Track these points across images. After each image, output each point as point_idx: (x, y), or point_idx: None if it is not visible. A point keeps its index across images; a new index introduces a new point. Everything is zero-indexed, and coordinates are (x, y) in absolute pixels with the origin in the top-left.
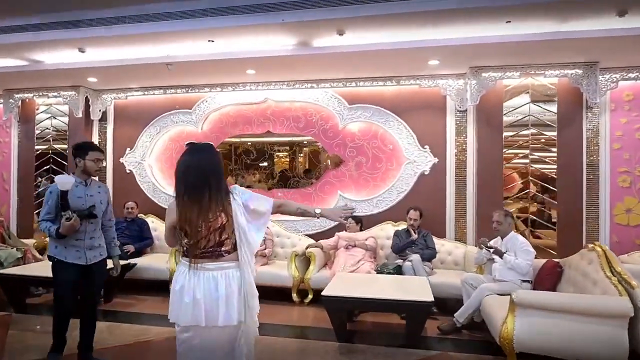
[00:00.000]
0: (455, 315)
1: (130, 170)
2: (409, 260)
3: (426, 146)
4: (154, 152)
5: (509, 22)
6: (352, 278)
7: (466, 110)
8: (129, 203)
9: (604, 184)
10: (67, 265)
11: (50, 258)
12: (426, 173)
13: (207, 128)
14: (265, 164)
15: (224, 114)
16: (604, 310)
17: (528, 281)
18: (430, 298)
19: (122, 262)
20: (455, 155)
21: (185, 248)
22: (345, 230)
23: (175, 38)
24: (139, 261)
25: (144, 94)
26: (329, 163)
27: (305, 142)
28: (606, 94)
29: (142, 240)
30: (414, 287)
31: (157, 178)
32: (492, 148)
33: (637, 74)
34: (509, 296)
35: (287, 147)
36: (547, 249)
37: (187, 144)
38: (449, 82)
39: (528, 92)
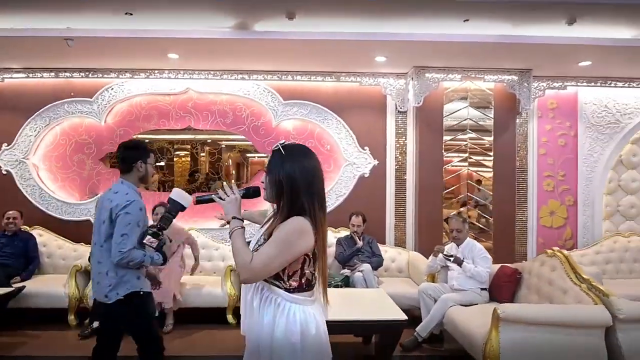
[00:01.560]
0: (416, 329)
1: (7, 171)
2: (359, 271)
3: (366, 147)
4: (40, 149)
5: (467, 20)
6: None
7: (407, 112)
8: (10, 212)
9: (531, 188)
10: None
11: (136, 294)
12: (366, 176)
13: (113, 121)
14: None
15: (135, 105)
16: (589, 320)
17: (486, 289)
18: (403, 316)
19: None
20: (396, 157)
21: (306, 279)
22: None
23: (81, 5)
24: (27, 285)
25: (28, 76)
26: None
27: (233, 140)
28: (535, 102)
29: (27, 259)
30: (378, 304)
31: (44, 181)
32: (432, 151)
33: (561, 83)
34: (474, 306)
35: (211, 146)
36: None
37: (283, 145)
38: (390, 81)
39: (467, 96)
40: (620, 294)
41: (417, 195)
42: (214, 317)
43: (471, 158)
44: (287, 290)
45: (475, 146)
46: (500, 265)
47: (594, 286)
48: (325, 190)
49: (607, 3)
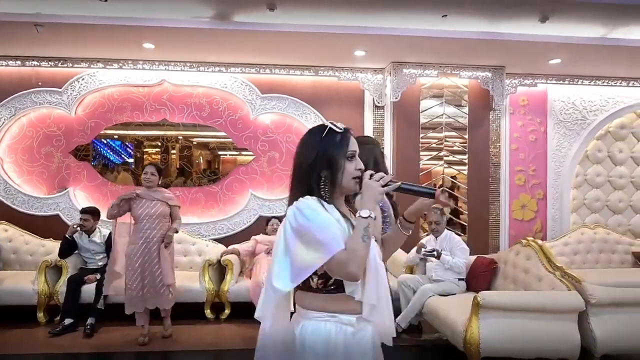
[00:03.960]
0: (396, 320)
1: None
2: None
3: None
4: (5, 141)
5: (445, 16)
6: None
7: (384, 107)
8: None
9: (504, 183)
10: None
11: None
12: None
13: (83, 113)
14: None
15: (107, 97)
16: (564, 306)
17: (463, 279)
18: None
19: None
20: None
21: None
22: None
23: None
24: None
25: None
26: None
27: (205, 137)
28: (507, 98)
29: None
30: None
31: (9, 174)
32: (409, 145)
33: (532, 80)
34: (452, 296)
35: (188, 139)
36: None
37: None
38: (368, 76)
39: (443, 93)
40: (591, 281)
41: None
42: (192, 312)
43: (447, 156)
44: None
45: (451, 141)
46: (476, 256)
47: (567, 273)
48: None
49: (578, 2)
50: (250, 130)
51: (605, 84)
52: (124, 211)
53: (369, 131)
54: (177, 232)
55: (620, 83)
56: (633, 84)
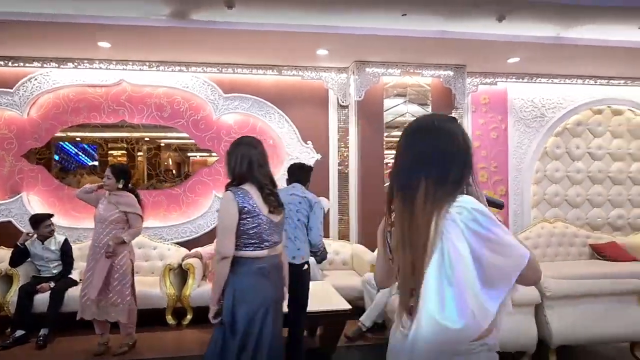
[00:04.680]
0: (360, 319)
1: None
2: None
3: (309, 141)
4: None
5: (405, 15)
6: None
7: (348, 106)
8: None
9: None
10: None
11: None
12: None
13: (37, 114)
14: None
15: (62, 98)
16: (521, 299)
17: None
18: (347, 306)
19: None
20: (339, 151)
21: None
22: None
23: None
24: None
25: None
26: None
27: (172, 138)
28: (469, 97)
29: None
30: (323, 296)
31: None
32: (374, 144)
33: (492, 79)
34: None
35: (150, 143)
36: None
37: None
38: (331, 75)
39: (406, 92)
40: (548, 275)
41: (359, 188)
42: (152, 318)
43: None
44: None
45: None
46: None
47: None
48: None
49: (532, 2)
50: (213, 131)
51: (561, 82)
52: (94, 204)
53: (333, 130)
54: (125, 242)
55: (576, 81)
56: (587, 82)
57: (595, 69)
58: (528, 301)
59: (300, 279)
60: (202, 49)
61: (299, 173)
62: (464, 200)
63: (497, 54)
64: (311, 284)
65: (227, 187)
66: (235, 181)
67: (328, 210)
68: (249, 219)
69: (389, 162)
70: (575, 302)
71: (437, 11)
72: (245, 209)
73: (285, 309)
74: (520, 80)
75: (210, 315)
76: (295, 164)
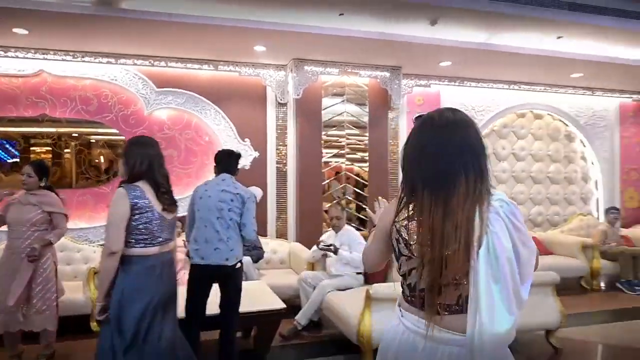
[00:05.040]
0: (296, 317)
1: None
2: None
3: (246, 139)
4: None
5: (342, 14)
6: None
7: (287, 104)
8: None
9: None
10: None
11: None
12: (247, 168)
13: None
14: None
15: None
16: None
17: (361, 273)
18: (282, 305)
19: None
20: (277, 149)
21: (401, 281)
22: None
23: None
24: None
25: None
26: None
27: (104, 134)
28: (404, 98)
29: None
30: (258, 295)
31: None
32: (312, 143)
33: (426, 81)
34: (349, 290)
35: (76, 137)
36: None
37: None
38: (270, 72)
39: (344, 91)
40: None
41: (298, 187)
42: (75, 326)
43: (349, 152)
44: None
45: (352, 139)
46: None
47: None
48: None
49: (461, 8)
50: (144, 127)
51: (489, 86)
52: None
53: (272, 128)
54: (51, 243)
55: (502, 86)
56: (512, 87)
57: (518, 75)
58: None
59: (231, 279)
60: (132, 41)
61: (228, 161)
62: (499, 194)
63: (431, 57)
64: (246, 283)
65: (120, 184)
66: (129, 179)
67: (267, 208)
68: (140, 216)
69: (329, 161)
70: None
71: (374, 13)
72: (137, 205)
73: (217, 310)
74: (452, 83)
75: (96, 311)
76: (224, 150)
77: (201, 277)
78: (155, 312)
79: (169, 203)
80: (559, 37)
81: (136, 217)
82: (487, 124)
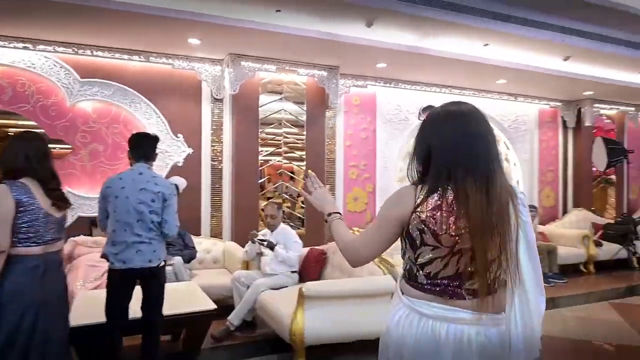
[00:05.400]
0: (228, 318)
1: None
2: (169, 265)
3: (180, 135)
4: None
5: (279, 11)
6: (100, 297)
7: (223, 100)
8: None
9: (339, 177)
10: None
11: None
12: (180, 164)
13: None
14: None
15: None
16: (379, 289)
17: (296, 271)
18: (212, 305)
19: None
20: (212, 146)
21: (407, 265)
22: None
23: None
24: None
25: None
26: None
27: (21, 124)
28: (341, 97)
29: None
30: (188, 296)
31: None
32: (248, 140)
33: (363, 82)
34: (284, 289)
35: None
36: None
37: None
38: (205, 66)
39: (282, 89)
40: None
41: (234, 185)
42: None
43: (287, 151)
44: (400, 277)
45: (290, 137)
46: (309, 248)
47: (384, 259)
48: None
49: (397, 11)
50: (67, 119)
51: (423, 89)
52: None
53: (207, 124)
54: None
55: (435, 90)
56: (444, 90)
57: (449, 79)
58: (385, 290)
59: (155, 279)
60: (52, 25)
61: (146, 145)
62: (515, 186)
63: (367, 58)
64: (176, 284)
65: (1, 181)
66: (11, 175)
67: (201, 207)
68: (24, 213)
69: (270, 160)
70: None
71: (312, 11)
72: (22, 202)
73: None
74: (388, 85)
75: None
76: (139, 133)
77: (123, 281)
78: (36, 314)
79: (58, 200)
80: (485, 45)
81: (20, 214)
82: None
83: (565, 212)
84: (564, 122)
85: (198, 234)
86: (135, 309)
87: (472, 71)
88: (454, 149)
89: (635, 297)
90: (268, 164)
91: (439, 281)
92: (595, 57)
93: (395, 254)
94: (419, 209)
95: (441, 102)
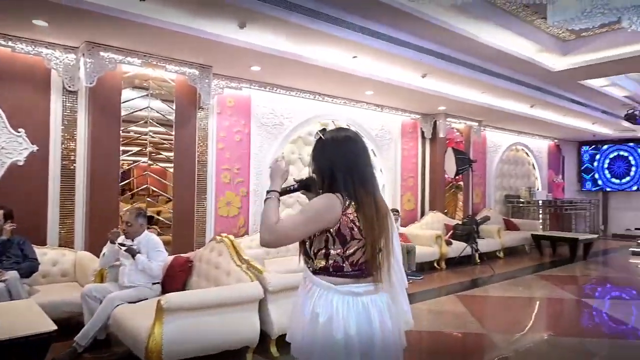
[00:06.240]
0: (75, 338)
1: None
2: (1, 280)
3: (21, 129)
4: None
5: (144, 0)
6: None
7: (77, 92)
8: None
9: (210, 180)
10: None
11: None
12: (20, 164)
13: None
14: None
15: None
16: (246, 297)
17: (158, 283)
18: (51, 327)
19: None
20: (62, 144)
21: (333, 262)
22: None
23: None
24: None
25: None
26: None
27: None
28: (215, 98)
29: None
30: (21, 317)
31: None
32: (108, 138)
33: (238, 84)
34: (143, 302)
35: None
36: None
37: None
38: (56, 53)
39: (149, 85)
40: (280, 269)
41: (89, 188)
42: None
43: (153, 152)
44: (314, 271)
45: (157, 137)
46: (175, 255)
47: (252, 265)
48: None
49: (269, 14)
50: None
51: (297, 95)
52: None
53: (57, 119)
54: None
55: (309, 96)
56: (317, 98)
57: (322, 87)
58: (252, 298)
59: None
60: None
61: None
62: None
63: (241, 60)
64: (10, 305)
65: None
66: None
67: (47, 213)
68: None
69: (137, 160)
70: (292, 294)
71: (182, 5)
72: None
73: None
74: (263, 89)
75: None
76: None
77: None
78: None
79: None
80: (354, 57)
81: None
82: (294, 131)
83: (423, 214)
84: (422, 133)
85: (44, 243)
86: None
87: (342, 81)
88: (352, 166)
89: (476, 289)
90: (134, 165)
91: (358, 267)
92: (449, 77)
93: (267, 259)
94: (347, 212)
95: (312, 108)
